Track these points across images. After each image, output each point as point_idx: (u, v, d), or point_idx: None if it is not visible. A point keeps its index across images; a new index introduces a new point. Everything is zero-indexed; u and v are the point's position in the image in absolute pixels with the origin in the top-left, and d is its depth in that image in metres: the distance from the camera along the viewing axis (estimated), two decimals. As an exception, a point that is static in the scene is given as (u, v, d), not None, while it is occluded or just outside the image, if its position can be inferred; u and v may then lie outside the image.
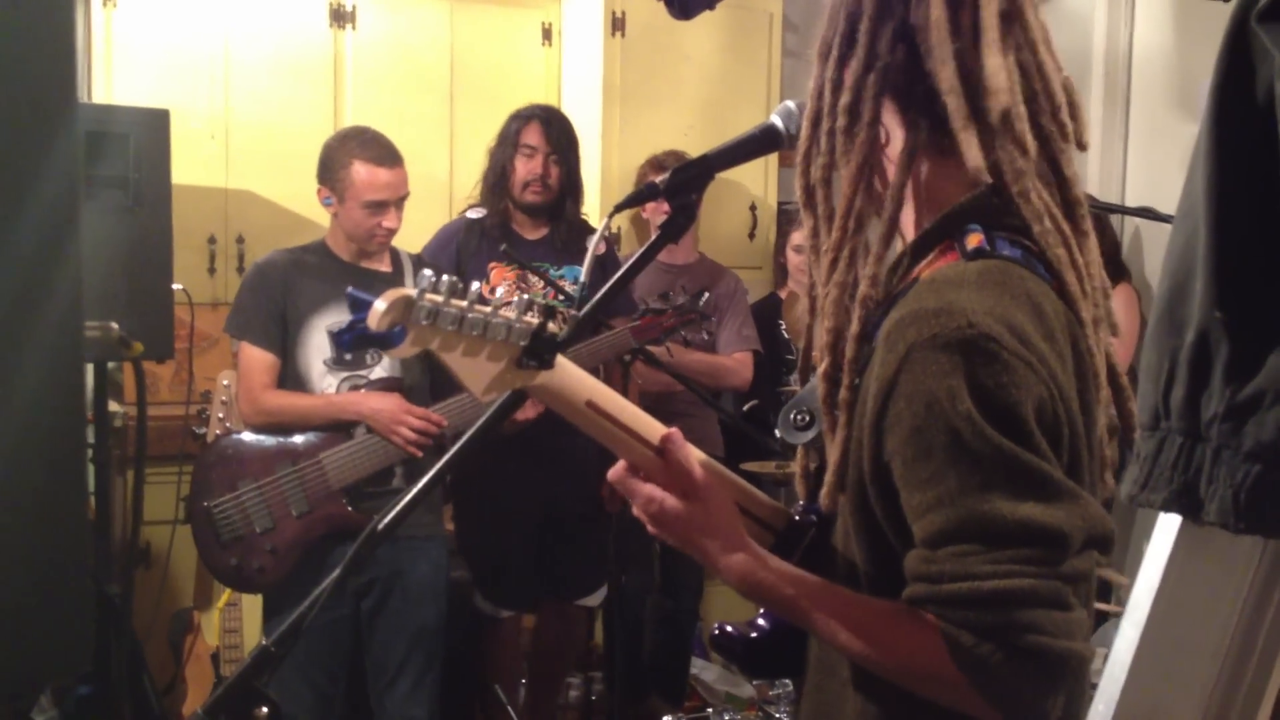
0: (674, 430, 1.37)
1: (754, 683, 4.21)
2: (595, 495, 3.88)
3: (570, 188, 3.90)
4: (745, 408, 4.31)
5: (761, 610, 1.44)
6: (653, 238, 1.58)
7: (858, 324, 1.33)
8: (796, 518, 1.44)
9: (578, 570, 3.99)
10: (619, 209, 1.64)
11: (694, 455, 1.37)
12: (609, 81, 4.66)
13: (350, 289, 1.13)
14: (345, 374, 3.27)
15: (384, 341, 1.13)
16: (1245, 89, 1.34)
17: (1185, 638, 1.66)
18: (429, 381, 3.36)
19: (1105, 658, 1.71)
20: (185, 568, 3.98)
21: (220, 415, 3.67)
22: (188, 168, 3.93)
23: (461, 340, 1.18)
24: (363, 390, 3.26)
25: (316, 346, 3.26)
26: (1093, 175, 4.38)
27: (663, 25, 4.09)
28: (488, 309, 1.18)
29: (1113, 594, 3.36)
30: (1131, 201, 4.27)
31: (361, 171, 3.24)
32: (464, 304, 1.17)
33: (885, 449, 1.24)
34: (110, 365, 3.37)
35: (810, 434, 1.41)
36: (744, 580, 1.32)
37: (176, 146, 3.28)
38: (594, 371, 3.70)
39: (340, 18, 4.46)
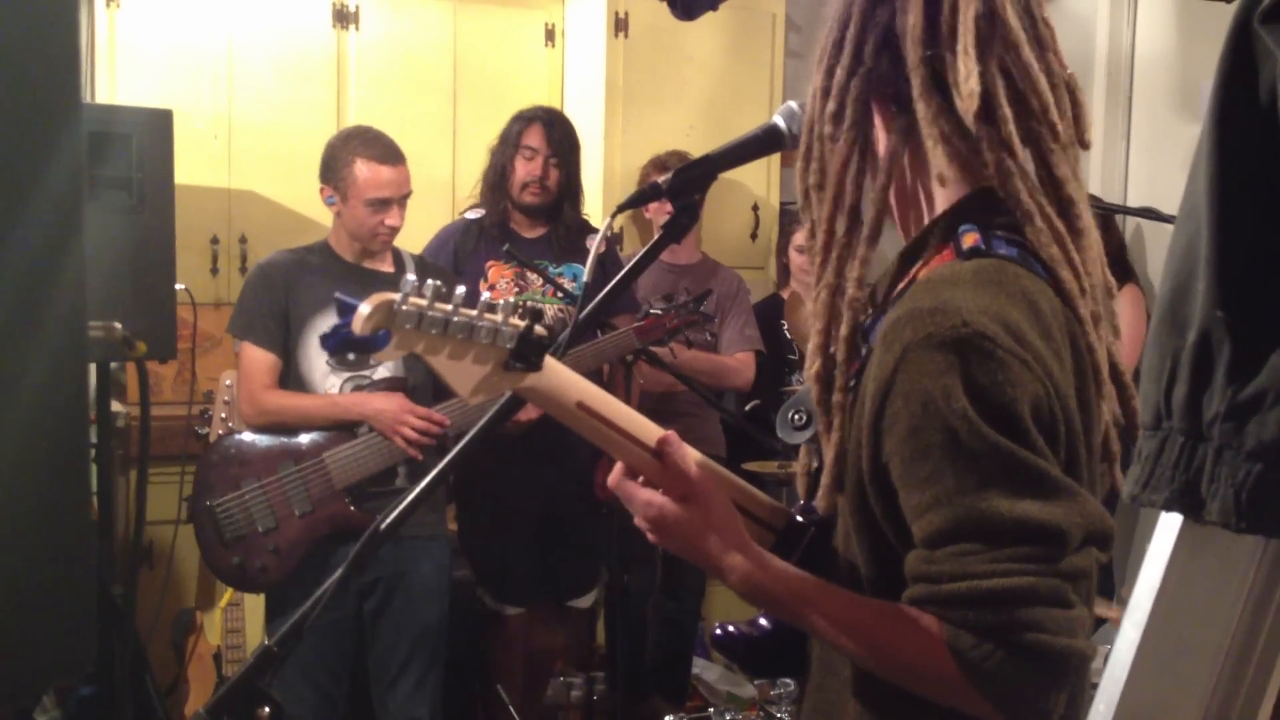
0: (670, 432, 1.36)
1: (755, 683, 4.21)
2: (592, 497, 3.90)
3: (569, 191, 3.91)
4: (747, 407, 4.31)
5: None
6: (655, 238, 1.58)
7: (846, 326, 1.34)
8: (797, 517, 1.44)
9: (570, 572, 4.00)
10: (621, 209, 1.64)
11: (691, 456, 1.36)
12: (611, 82, 4.67)
13: (338, 293, 1.14)
14: (349, 374, 3.28)
15: (368, 346, 1.13)
16: (1248, 90, 1.34)
17: (1186, 637, 1.66)
18: (432, 381, 3.36)
19: (1106, 657, 1.71)
20: (188, 568, 3.99)
21: (223, 415, 3.67)
22: (191, 168, 3.93)
23: (447, 344, 1.18)
24: (366, 390, 3.27)
25: (319, 347, 3.26)
26: (1095, 175, 4.39)
27: (665, 26, 4.10)
28: (473, 312, 1.18)
29: (1114, 594, 3.36)
30: (1133, 202, 4.27)
31: (364, 170, 3.24)
32: (449, 308, 1.17)
33: (884, 449, 1.24)
34: (113, 365, 3.38)
35: (808, 433, 1.41)
36: (745, 581, 1.32)
37: (179, 147, 3.29)
38: (597, 371, 3.73)
39: (343, 18, 4.46)
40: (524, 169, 3.85)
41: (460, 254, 3.84)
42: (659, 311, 3.45)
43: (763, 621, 1.46)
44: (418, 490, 1.50)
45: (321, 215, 3.79)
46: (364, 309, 1.12)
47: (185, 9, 4.22)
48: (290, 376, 3.29)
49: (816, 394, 1.35)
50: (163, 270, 3.18)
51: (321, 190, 3.33)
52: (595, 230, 3.98)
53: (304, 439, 3.23)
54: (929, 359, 1.19)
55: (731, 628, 1.45)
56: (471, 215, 3.96)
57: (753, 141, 1.59)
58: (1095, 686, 1.69)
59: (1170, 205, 1.66)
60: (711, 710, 3.95)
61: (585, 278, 1.53)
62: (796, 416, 1.44)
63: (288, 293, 3.27)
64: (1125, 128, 4.47)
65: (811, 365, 1.36)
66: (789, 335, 4.47)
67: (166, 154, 3.21)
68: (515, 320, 1.20)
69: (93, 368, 2.93)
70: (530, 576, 3.92)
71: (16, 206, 1.85)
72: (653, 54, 4.71)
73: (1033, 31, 1.33)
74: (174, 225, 3.21)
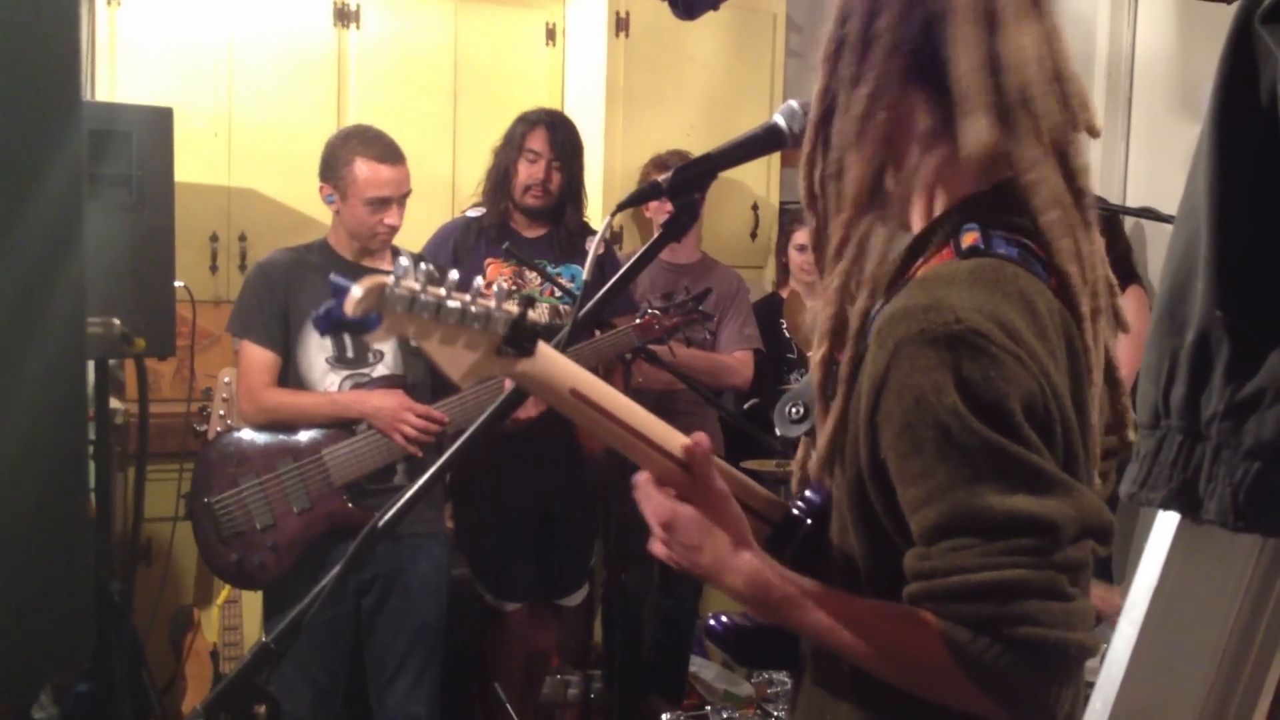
0: (700, 437, 1.35)
1: (752, 681, 4.21)
2: (585, 496, 3.91)
3: (571, 194, 3.92)
4: (746, 406, 4.32)
5: None
6: (655, 236, 1.58)
7: (858, 319, 1.34)
8: (793, 510, 1.44)
9: (561, 569, 4.01)
10: (621, 208, 1.64)
11: (719, 469, 1.37)
12: (612, 81, 4.67)
13: (333, 275, 1.14)
14: (348, 372, 3.28)
15: (360, 327, 1.13)
16: (1248, 90, 1.34)
17: (1183, 635, 1.67)
18: (431, 379, 3.36)
19: (1102, 656, 1.71)
20: (186, 565, 3.99)
21: (221, 413, 3.67)
22: (191, 166, 3.93)
23: (438, 328, 1.17)
24: (365, 388, 3.27)
25: (319, 345, 3.27)
26: (1094, 175, 4.38)
27: (666, 25, 4.10)
28: (466, 297, 1.18)
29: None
30: (1133, 202, 4.27)
31: (364, 168, 3.24)
32: (441, 292, 1.16)
33: (881, 445, 1.24)
34: (112, 362, 3.38)
35: (805, 426, 1.42)
36: (751, 580, 1.32)
37: (180, 145, 3.29)
38: (595, 370, 3.73)
39: (344, 17, 4.46)
40: (527, 172, 3.86)
41: (460, 251, 3.85)
42: (658, 310, 3.45)
43: None
44: (416, 488, 1.50)
45: (321, 214, 3.79)
46: (356, 291, 1.12)
47: (186, 7, 4.22)
48: (289, 374, 3.29)
49: (819, 379, 1.35)
50: (162, 268, 3.18)
51: (321, 189, 3.33)
52: (596, 233, 3.99)
53: (302, 436, 3.23)
54: (921, 355, 1.20)
55: (725, 618, 1.45)
56: (472, 214, 3.97)
57: (753, 140, 1.59)
58: (1091, 685, 1.69)
59: (1170, 205, 1.66)
60: (709, 708, 3.96)
61: (585, 276, 1.53)
62: (794, 410, 1.44)
63: (287, 291, 3.27)
64: (1125, 128, 4.47)
65: (819, 349, 1.36)
66: (788, 334, 4.47)
67: (167, 152, 3.22)
68: (509, 306, 1.20)
69: (92, 364, 2.93)
70: (527, 573, 3.93)
71: (17, 204, 1.85)
72: (653, 53, 4.71)
73: (1052, 20, 1.34)
74: (174, 223, 3.21)
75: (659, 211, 4.18)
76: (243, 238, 4.30)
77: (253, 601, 3.62)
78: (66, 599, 1.96)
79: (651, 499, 1.36)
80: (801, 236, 4.44)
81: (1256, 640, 1.67)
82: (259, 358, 3.26)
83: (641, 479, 1.37)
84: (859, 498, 1.30)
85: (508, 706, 3.91)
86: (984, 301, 1.22)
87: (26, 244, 1.86)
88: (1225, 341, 1.37)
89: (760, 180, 4.95)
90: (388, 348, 3.30)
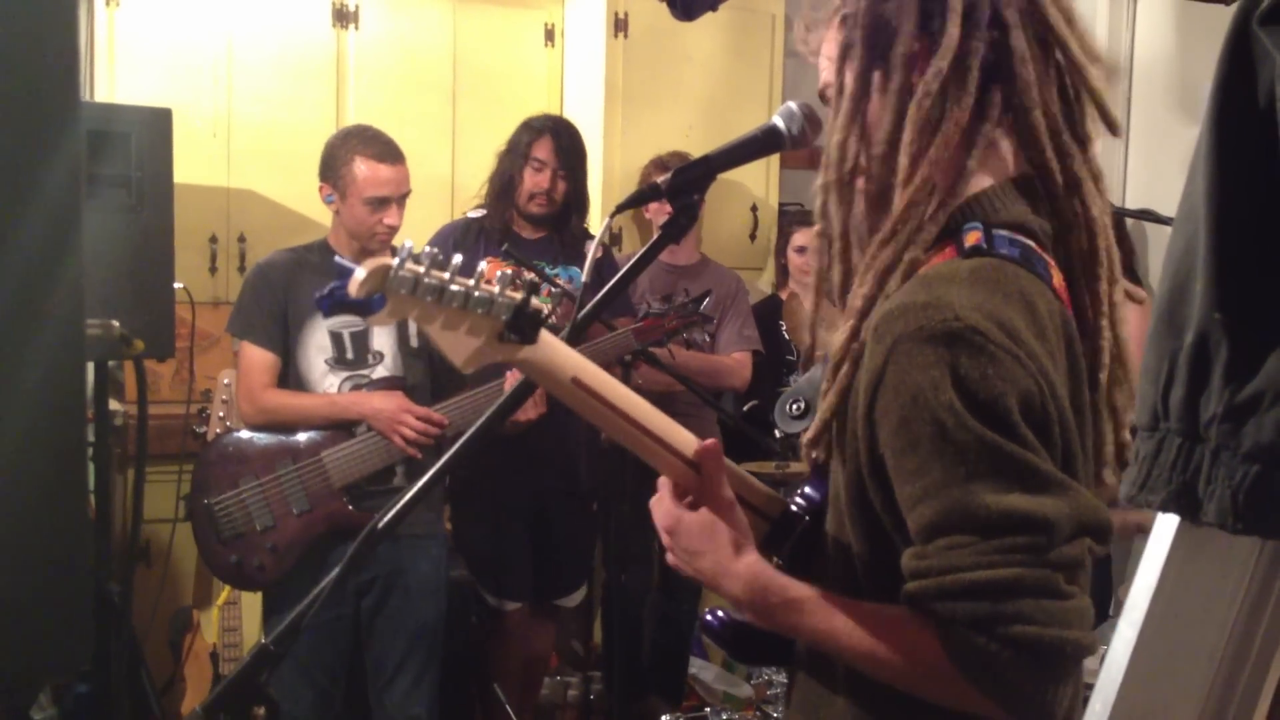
0: (711, 443, 1.37)
1: (752, 682, 4.21)
2: (583, 497, 3.92)
3: (576, 202, 3.93)
4: (745, 408, 4.32)
5: None
6: (654, 238, 1.58)
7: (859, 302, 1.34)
8: (792, 506, 1.44)
9: (560, 570, 4.01)
10: (620, 209, 1.65)
11: (729, 472, 1.38)
12: (611, 82, 4.67)
13: (337, 257, 1.14)
14: (347, 373, 3.28)
15: (363, 309, 1.13)
16: (1246, 92, 1.35)
17: (1182, 637, 1.67)
18: (431, 381, 3.36)
19: (1102, 657, 1.71)
20: (185, 566, 3.98)
21: (220, 414, 3.67)
22: (190, 167, 3.93)
23: (441, 312, 1.17)
24: (365, 389, 3.27)
25: (319, 346, 3.27)
26: (1094, 177, 4.38)
27: (665, 26, 4.10)
28: (469, 282, 1.17)
29: (1111, 598, 3.36)
30: (1131, 203, 4.27)
31: (363, 168, 3.24)
32: (445, 275, 1.16)
33: (878, 441, 1.24)
34: (111, 363, 3.37)
35: (806, 423, 1.42)
36: (749, 586, 1.32)
37: (179, 145, 3.28)
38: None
39: (343, 17, 4.46)
40: (532, 180, 3.86)
41: (459, 251, 3.84)
42: (658, 313, 3.46)
43: None
44: (416, 489, 1.50)
45: (320, 214, 3.78)
46: (360, 272, 1.12)
47: (185, 8, 4.22)
48: (289, 375, 3.29)
49: (838, 357, 1.34)
50: (161, 269, 3.18)
51: (321, 189, 3.33)
52: (595, 237, 3.99)
53: (302, 438, 3.23)
54: (919, 352, 1.20)
55: (721, 613, 1.45)
56: (473, 215, 3.97)
57: (752, 142, 1.59)
58: (1091, 686, 1.69)
59: (1168, 207, 1.66)
60: (708, 710, 3.96)
61: (584, 278, 1.53)
62: (794, 406, 1.45)
63: (287, 292, 3.27)
64: (1124, 129, 4.47)
65: (845, 326, 1.34)
66: (787, 336, 4.47)
67: (166, 153, 3.21)
68: (511, 292, 1.19)
69: (91, 366, 2.93)
70: (525, 573, 3.93)
71: (15, 205, 1.85)
72: (652, 54, 4.71)
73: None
74: (173, 224, 3.21)
75: (659, 213, 4.18)
76: (242, 239, 4.30)
77: (252, 603, 3.62)
78: (65, 600, 1.95)
79: (661, 503, 1.37)
80: (800, 238, 4.44)
81: (1256, 642, 1.67)
82: (258, 358, 3.26)
83: (663, 481, 1.38)
84: (857, 494, 1.30)
85: (507, 707, 3.91)
86: (983, 300, 1.21)
87: (25, 245, 1.85)
88: (1224, 344, 1.37)
89: (759, 182, 4.95)
90: (387, 349, 3.30)
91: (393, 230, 3.32)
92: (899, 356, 1.21)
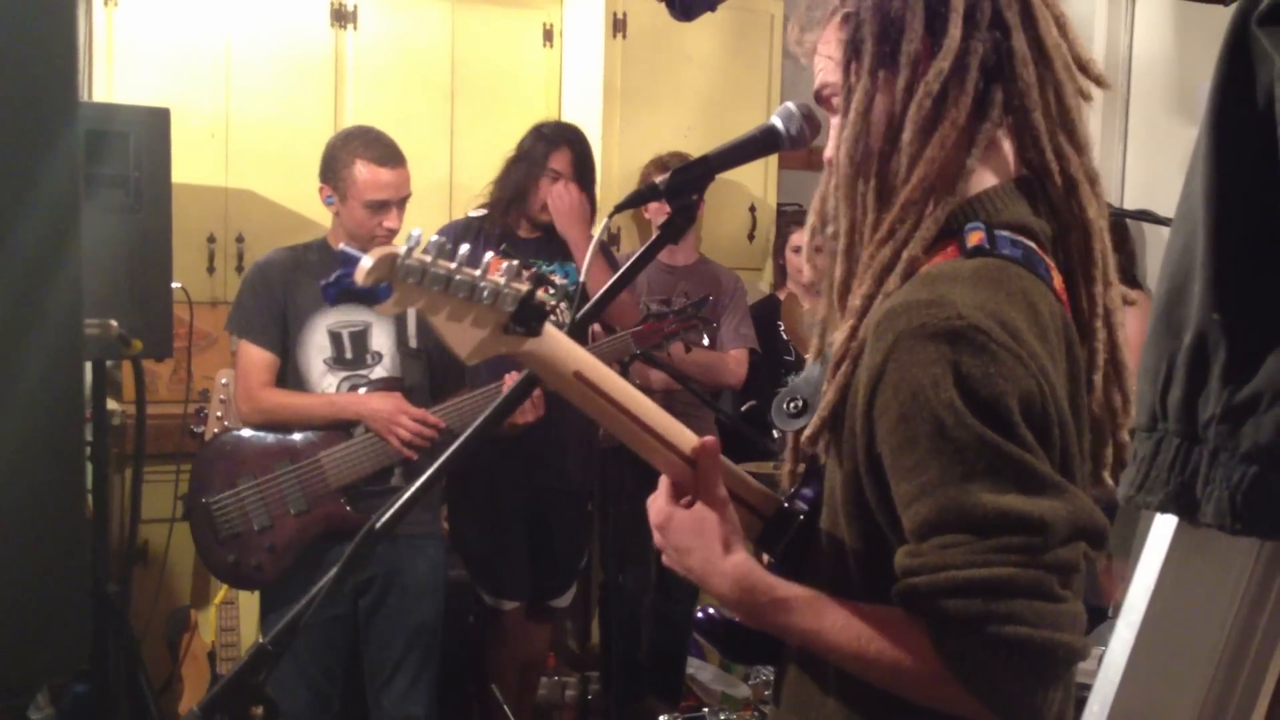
0: (709, 441, 1.37)
1: (749, 683, 4.21)
2: (579, 497, 3.91)
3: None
4: (743, 408, 4.31)
5: None
6: (653, 238, 1.58)
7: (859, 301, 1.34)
8: (786, 506, 1.44)
9: (551, 571, 4.01)
10: (619, 209, 1.65)
11: (724, 470, 1.38)
12: (609, 82, 4.66)
13: (343, 245, 1.14)
14: (345, 374, 3.28)
15: (369, 297, 1.13)
16: (1245, 92, 1.34)
17: (1181, 638, 1.67)
18: (429, 382, 3.36)
19: (1100, 658, 1.71)
20: (183, 566, 3.98)
21: (219, 414, 3.67)
22: (188, 166, 3.92)
23: (447, 302, 1.17)
24: (363, 390, 3.27)
25: (317, 345, 3.27)
26: (1092, 178, 4.38)
27: (663, 26, 4.09)
28: (476, 272, 1.17)
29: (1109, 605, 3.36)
30: (1130, 204, 4.27)
31: (364, 171, 3.24)
32: (451, 265, 1.16)
33: (876, 439, 1.24)
34: (109, 363, 3.37)
35: (803, 421, 1.41)
36: (737, 585, 1.32)
37: (177, 145, 3.28)
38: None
39: (341, 17, 4.46)
40: (548, 190, 3.86)
41: None
42: (657, 315, 3.46)
43: None
44: (413, 489, 1.50)
45: (318, 214, 3.78)
46: (367, 261, 1.11)
47: (183, 7, 4.21)
48: (288, 375, 3.29)
49: (838, 354, 1.34)
50: (159, 268, 3.18)
51: (321, 189, 3.33)
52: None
53: (299, 438, 3.23)
54: (921, 349, 1.19)
55: (713, 611, 1.45)
56: (474, 215, 3.97)
57: (751, 142, 1.59)
58: (1089, 687, 1.69)
59: (1167, 208, 1.66)
60: (706, 710, 3.95)
61: (580, 277, 1.53)
62: (792, 404, 1.44)
63: (286, 291, 3.27)
64: (1122, 130, 4.47)
65: (845, 323, 1.34)
66: (785, 336, 4.47)
67: (164, 152, 3.21)
68: (517, 284, 1.19)
69: (89, 365, 2.93)
70: (522, 573, 3.94)
71: (14, 204, 1.85)
72: (651, 54, 4.71)
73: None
74: (171, 224, 3.21)
75: (659, 213, 4.18)
76: (240, 239, 4.30)
77: (250, 602, 3.62)
78: (63, 600, 1.96)
79: (655, 500, 1.37)
80: (799, 238, 4.44)
81: (1254, 642, 1.67)
82: (257, 357, 3.26)
83: (663, 480, 1.38)
84: (854, 492, 1.30)
85: (505, 707, 3.91)
86: (986, 300, 1.21)
87: (23, 245, 1.85)
88: (1222, 344, 1.37)
89: (758, 182, 4.95)
90: (386, 350, 3.30)
91: (392, 233, 3.31)
92: (900, 353, 1.21)
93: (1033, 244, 1.31)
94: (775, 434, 3.49)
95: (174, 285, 3.26)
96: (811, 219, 1.43)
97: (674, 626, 4.20)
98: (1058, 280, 1.33)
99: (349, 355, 3.28)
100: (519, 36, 4.79)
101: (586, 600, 4.57)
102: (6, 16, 1.82)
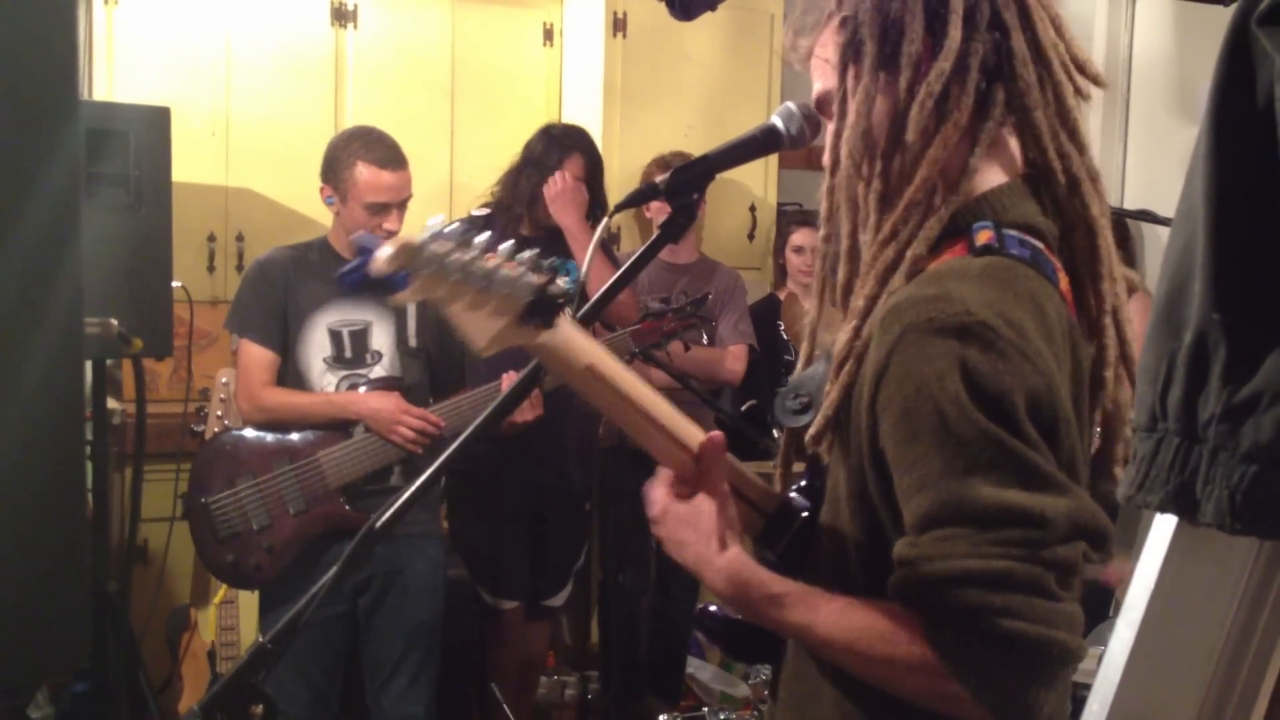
0: (714, 436, 1.37)
1: (749, 682, 4.21)
2: (578, 496, 3.91)
3: (593, 210, 3.96)
4: (743, 408, 4.32)
5: None
6: (653, 237, 1.58)
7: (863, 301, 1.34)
8: (787, 502, 1.44)
9: (547, 569, 4.01)
10: (619, 208, 1.65)
11: (729, 466, 1.38)
12: (610, 82, 4.67)
13: (363, 233, 1.14)
14: (345, 372, 3.28)
15: (387, 287, 1.12)
16: (1245, 92, 1.34)
17: (1180, 638, 1.67)
18: (429, 382, 3.36)
19: (1099, 658, 1.71)
20: (183, 565, 3.98)
21: (219, 413, 3.67)
22: (188, 165, 3.92)
23: (465, 293, 1.16)
24: (362, 389, 3.27)
25: (317, 344, 3.26)
26: (1092, 178, 4.38)
27: (664, 26, 4.09)
28: (493, 263, 1.17)
29: (1111, 595, 3.36)
30: (1130, 204, 4.27)
31: (365, 173, 3.23)
32: (469, 256, 1.15)
33: (880, 433, 1.24)
34: (109, 362, 3.37)
35: (806, 417, 1.41)
36: (731, 579, 1.32)
37: (177, 144, 3.28)
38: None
39: (342, 16, 4.46)
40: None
41: None
42: (656, 314, 3.47)
43: None
44: (413, 489, 1.50)
45: (319, 214, 3.78)
46: (386, 249, 1.11)
47: (183, 6, 4.21)
48: (287, 373, 3.29)
49: (841, 354, 1.34)
50: (160, 267, 3.18)
51: (321, 189, 3.32)
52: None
53: (299, 437, 3.23)
54: (928, 343, 1.19)
55: (714, 608, 1.46)
56: (477, 214, 3.98)
57: (751, 142, 1.59)
58: (1088, 687, 1.69)
59: (1167, 207, 1.66)
60: (706, 709, 3.96)
61: (580, 275, 1.53)
62: (796, 399, 1.44)
63: (286, 290, 3.27)
64: (1122, 130, 4.47)
65: (849, 323, 1.34)
66: (785, 336, 4.47)
67: (164, 151, 3.21)
68: (533, 276, 1.18)
69: (89, 364, 2.93)
70: (522, 572, 3.94)
71: (14, 203, 1.85)
72: (651, 54, 4.71)
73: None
74: (171, 223, 3.21)
75: (660, 212, 4.18)
76: (240, 238, 4.30)
77: (249, 601, 3.62)
78: (63, 599, 1.96)
79: (654, 491, 1.37)
80: (799, 238, 4.44)
81: (1254, 642, 1.67)
82: (257, 356, 3.26)
83: (663, 472, 1.38)
84: (858, 488, 1.30)
85: (504, 707, 3.91)
86: (994, 298, 1.21)
87: (23, 243, 1.86)
88: (1223, 344, 1.37)
89: (758, 181, 4.95)
90: (385, 349, 3.30)
91: (392, 236, 3.31)
92: (905, 346, 1.21)
93: (1040, 244, 1.31)
94: (776, 434, 3.50)
95: (174, 284, 3.26)
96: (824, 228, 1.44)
97: (673, 626, 4.21)
98: (1064, 281, 1.33)
99: (349, 354, 3.28)
100: (519, 36, 4.79)
101: (586, 600, 4.57)
102: (6, 16, 1.82)
